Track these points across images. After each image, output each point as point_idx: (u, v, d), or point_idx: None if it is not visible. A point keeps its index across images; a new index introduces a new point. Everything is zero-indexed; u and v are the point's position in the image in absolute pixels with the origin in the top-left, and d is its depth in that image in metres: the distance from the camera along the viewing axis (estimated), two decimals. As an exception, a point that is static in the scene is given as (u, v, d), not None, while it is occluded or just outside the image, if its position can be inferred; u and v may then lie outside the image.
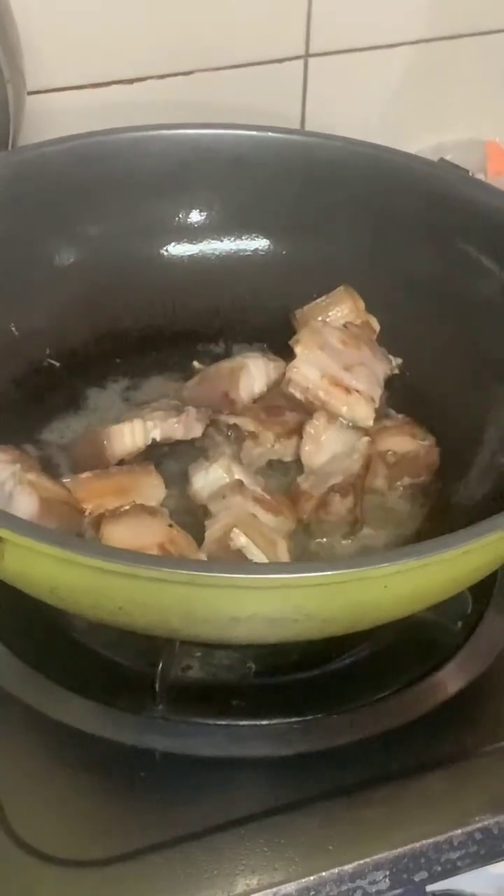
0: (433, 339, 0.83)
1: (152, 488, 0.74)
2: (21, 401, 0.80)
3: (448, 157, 1.08)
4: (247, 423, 0.77)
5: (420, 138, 1.09)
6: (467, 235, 0.81)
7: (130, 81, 0.99)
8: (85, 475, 0.73)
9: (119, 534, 0.67)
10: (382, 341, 0.84)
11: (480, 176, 1.07)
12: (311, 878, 0.60)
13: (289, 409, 0.79)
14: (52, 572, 0.58)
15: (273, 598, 0.56)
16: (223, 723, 0.67)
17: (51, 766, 0.65)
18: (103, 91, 0.98)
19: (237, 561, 0.66)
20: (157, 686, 0.66)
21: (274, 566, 0.62)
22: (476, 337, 0.80)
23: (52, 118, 0.94)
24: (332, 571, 0.55)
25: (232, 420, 0.77)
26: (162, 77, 1.00)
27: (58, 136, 0.84)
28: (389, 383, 0.83)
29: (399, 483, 0.77)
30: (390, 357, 0.83)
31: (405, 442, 0.77)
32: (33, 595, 0.62)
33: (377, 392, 0.79)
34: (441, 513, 0.75)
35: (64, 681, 0.68)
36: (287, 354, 0.81)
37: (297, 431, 0.78)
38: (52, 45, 0.94)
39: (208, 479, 0.73)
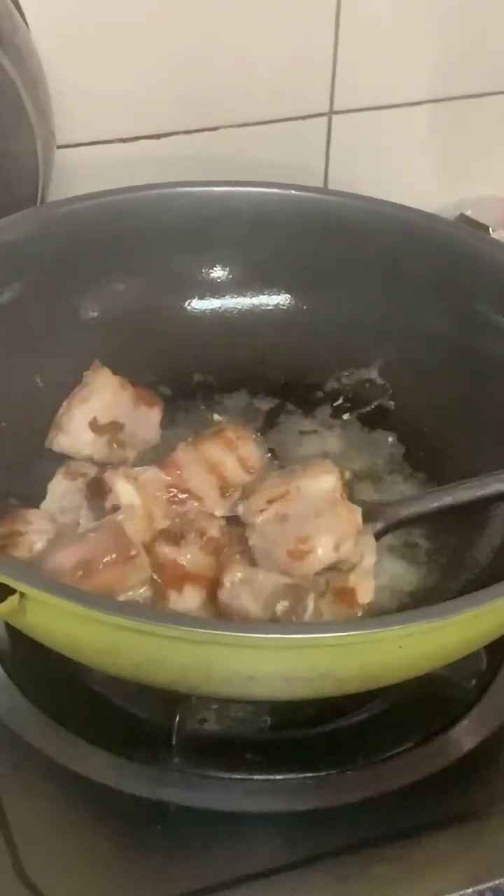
0: (448, 395, 0.84)
1: None
2: (49, 455, 0.81)
3: (468, 213, 1.10)
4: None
5: (441, 194, 1.11)
6: (481, 294, 0.83)
7: (158, 137, 1.01)
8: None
9: None
10: (400, 395, 0.86)
11: (501, 231, 1.09)
12: (324, 934, 0.61)
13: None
14: (71, 628, 0.59)
15: (288, 657, 0.57)
16: (238, 776, 0.68)
17: (67, 816, 0.66)
18: (131, 146, 1.00)
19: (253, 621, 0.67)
20: (173, 739, 0.67)
21: (290, 626, 0.63)
22: (489, 394, 0.81)
23: (81, 171, 0.96)
24: (347, 633, 0.56)
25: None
26: (189, 133, 1.02)
27: (86, 192, 0.86)
28: (406, 438, 0.84)
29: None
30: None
31: None
32: (55, 650, 0.63)
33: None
34: (454, 570, 0.76)
35: (83, 733, 0.69)
36: (307, 405, 0.85)
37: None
38: (82, 100, 0.96)
39: None
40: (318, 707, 0.71)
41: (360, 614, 0.70)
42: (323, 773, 0.68)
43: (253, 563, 0.71)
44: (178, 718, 0.67)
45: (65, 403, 0.81)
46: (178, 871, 0.63)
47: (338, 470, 0.74)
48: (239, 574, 0.69)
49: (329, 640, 0.56)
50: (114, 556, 0.66)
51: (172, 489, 0.74)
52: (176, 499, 0.74)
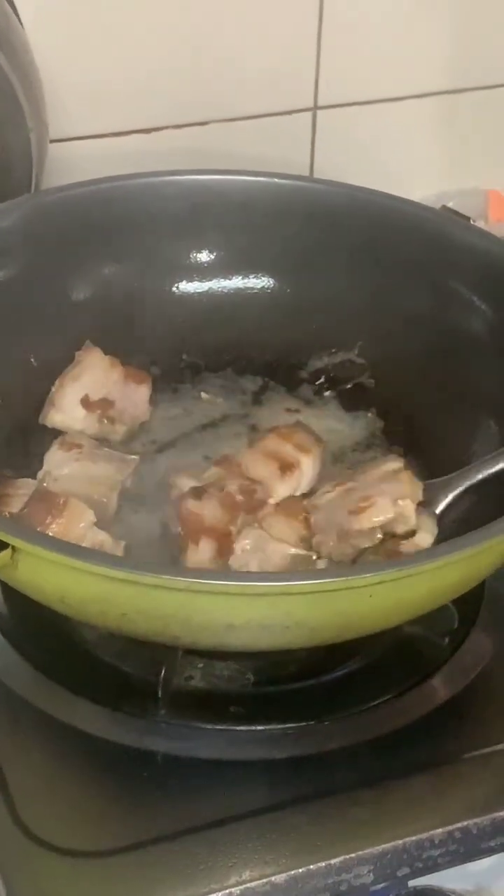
0: (427, 372, 0.87)
1: None
2: (42, 430, 0.84)
3: (450, 205, 1.13)
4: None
5: (424, 186, 1.14)
6: (460, 276, 0.86)
7: (148, 131, 1.05)
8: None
9: None
10: (379, 374, 0.89)
11: (481, 222, 1.12)
12: (300, 870, 0.64)
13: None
14: (61, 581, 0.62)
15: (264, 605, 0.60)
16: (221, 727, 0.71)
17: (59, 765, 0.70)
18: (123, 140, 1.04)
19: (234, 570, 0.70)
20: (159, 692, 0.71)
21: (265, 575, 0.67)
22: (466, 372, 0.85)
23: (74, 165, 0.99)
24: (319, 580, 0.60)
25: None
26: (179, 127, 1.05)
27: (77, 181, 0.90)
28: (386, 414, 0.88)
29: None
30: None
31: None
32: (45, 604, 0.67)
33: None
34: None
35: (74, 687, 0.72)
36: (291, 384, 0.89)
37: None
38: (75, 96, 1.00)
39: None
40: (299, 665, 0.74)
41: None
42: (302, 724, 0.71)
43: (267, 530, 0.75)
44: (163, 672, 0.71)
45: (57, 381, 0.85)
46: (165, 814, 0.66)
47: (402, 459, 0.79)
48: (248, 542, 0.73)
49: (301, 588, 0.59)
50: (52, 514, 0.70)
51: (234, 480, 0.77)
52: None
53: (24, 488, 0.74)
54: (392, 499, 0.74)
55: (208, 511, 0.74)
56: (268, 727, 0.71)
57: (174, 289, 0.93)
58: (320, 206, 0.92)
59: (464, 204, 1.14)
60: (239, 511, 0.75)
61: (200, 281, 0.93)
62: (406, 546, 0.73)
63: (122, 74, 1.01)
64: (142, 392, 0.87)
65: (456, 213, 1.12)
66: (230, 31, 1.03)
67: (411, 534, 0.74)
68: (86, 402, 0.84)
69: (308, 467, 0.80)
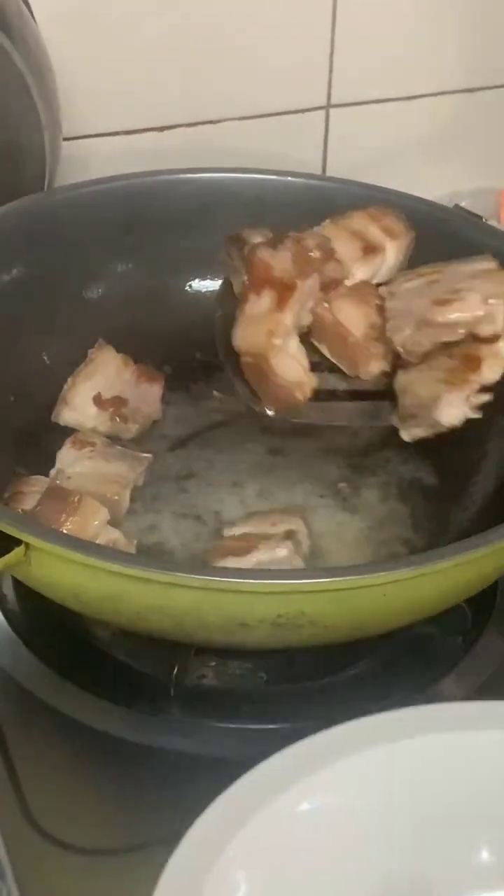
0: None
1: None
2: (55, 428, 0.84)
3: (463, 204, 1.13)
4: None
5: (436, 185, 1.14)
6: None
7: (161, 129, 1.04)
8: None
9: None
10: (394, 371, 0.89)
11: (493, 222, 1.12)
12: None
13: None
14: (75, 578, 0.62)
15: (277, 603, 0.60)
16: (234, 726, 0.71)
17: (71, 763, 0.70)
18: (136, 137, 1.04)
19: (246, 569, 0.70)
20: (172, 691, 0.71)
21: (278, 573, 0.67)
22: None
23: (87, 163, 0.99)
24: (333, 578, 0.59)
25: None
26: (191, 125, 1.05)
27: (91, 179, 0.90)
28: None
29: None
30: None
31: None
32: (58, 601, 0.67)
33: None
34: (441, 535, 0.79)
35: (87, 686, 0.72)
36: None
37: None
38: (89, 93, 1.00)
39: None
40: (311, 664, 0.74)
41: (476, 388, 0.68)
42: (315, 723, 0.71)
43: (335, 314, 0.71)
44: (176, 670, 0.71)
45: (70, 379, 0.85)
46: (175, 812, 0.66)
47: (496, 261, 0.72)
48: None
49: (315, 586, 0.59)
50: (66, 512, 0.69)
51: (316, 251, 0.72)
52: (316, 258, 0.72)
53: (37, 485, 0.74)
54: (483, 296, 0.68)
55: (279, 262, 0.70)
56: (280, 726, 0.71)
57: (187, 287, 0.93)
58: (333, 204, 0.91)
59: (477, 203, 1.14)
60: (310, 269, 0.71)
61: (213, 279, 0.93)
62: (485, 352, 0.68)
63: (135, 72, 1.01)
64: (154, 390, 0.87)
65: (469, 212, 1.12)
66: (244, 29, 1.03)
67: (495, 339, 0.68)
68: (98, 401, 0.84)
69: (392, 254, 0.75)
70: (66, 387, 0.85)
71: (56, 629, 0.75)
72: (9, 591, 0.78)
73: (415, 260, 0.87)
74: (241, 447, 0.86)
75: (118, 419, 0.84)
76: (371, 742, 0.58)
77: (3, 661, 0.74)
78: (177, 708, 0.71)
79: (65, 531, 0.68)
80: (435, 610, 0.67)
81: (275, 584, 0.59)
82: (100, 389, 0.84)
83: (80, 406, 0.84)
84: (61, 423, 0.84)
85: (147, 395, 0.86)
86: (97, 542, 0.69)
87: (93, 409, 0.84)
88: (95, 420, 0.84)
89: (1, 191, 0.89)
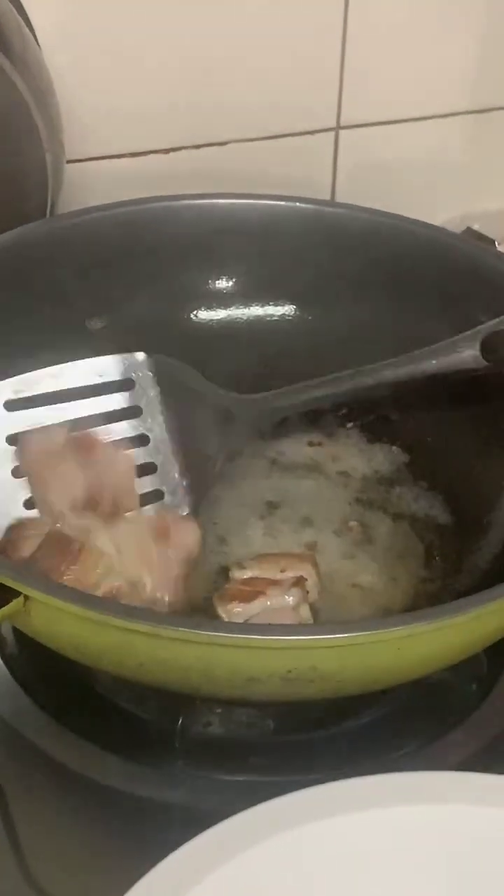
0: (451, 404, 0.85)
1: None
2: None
3: (475, 227, 1.11)
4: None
5: (447, 208, 1.12)
6: (484, 306, 0.83)
7: (167, 151, 1.03)
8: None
9: None
10: (404, 406, 0.87)
11: (506, 245, 1.10)
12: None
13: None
14: (75, 630, 0.60)
15: (287, 658, 0.58)
16: (241, 779, 0.68)
17: (72, 817, 0.67)
18: (140, 160, 1.02)
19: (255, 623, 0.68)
20: (177, 742, 0.68)
21: (289, 628, 0.64)
22: (493, 406, 0.82)
23: (90, 186, 0.98)
24: (345, 634, 0.57)
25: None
26: (197, 147, 1.04)
27: (93, 205, 0.88)
28: (411, 449, 0.86)
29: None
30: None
31: None
32: (59, 651, 0.64)
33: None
34: (454, 575, 0.77)
35: (88, 735, 0.70)
36: (312, 415, 0.86)
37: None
38: (92, 115, 0.98)
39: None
40: (321, 711, 0.72)
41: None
42: (324, 776, 0.68)
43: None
44: (181, 721, 0.68)
45: None
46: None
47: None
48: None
49: (328, 642, 0.57)
50: (66, 560, 0.67)
51: None
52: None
53: (35, 529, 0.71)
54: None
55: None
56: (290, 778, 0.68)
57: (192, 316, 0.91)
58: (342, 231, 0.89)
59: (488, 226, 1.12)
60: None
61: (219, 308, 0.90)
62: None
63: (139, 94, 0.99)
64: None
65: (480, 235, 1.10)
66: (252, 50, 1.01)
67: None
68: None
69: None
70: None
71: (56, 673, 0.72)
72: (8, 634, 0.76)
73: (427, 293, 0.86)
74: (247, 484, 0.83)
75: None
76: (338, 810, 0.57)
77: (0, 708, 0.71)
78: (181, 760, 0.68)
79: (65, 581, 0.65)
80: (452, 661, 0.65)
81: (284, 640, 0.57)
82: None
83: None
84: None
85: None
86: (99, 591, 0.66)
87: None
88: None
89: (3, 214, 0.87)
